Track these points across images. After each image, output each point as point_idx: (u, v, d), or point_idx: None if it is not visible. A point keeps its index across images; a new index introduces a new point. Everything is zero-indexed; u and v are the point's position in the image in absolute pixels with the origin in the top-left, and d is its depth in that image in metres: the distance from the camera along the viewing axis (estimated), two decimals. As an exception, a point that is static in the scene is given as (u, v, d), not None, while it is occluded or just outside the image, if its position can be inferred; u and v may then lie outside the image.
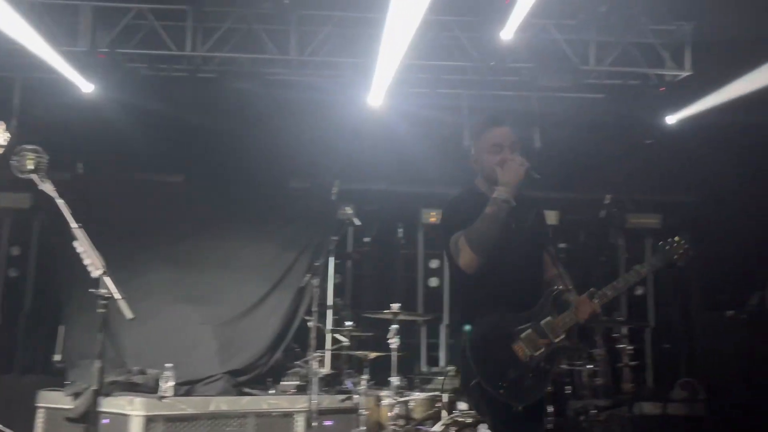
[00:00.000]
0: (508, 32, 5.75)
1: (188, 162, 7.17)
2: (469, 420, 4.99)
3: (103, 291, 3.17)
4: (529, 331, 2.99)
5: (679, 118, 6.83)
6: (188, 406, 5.62)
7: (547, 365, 2.99)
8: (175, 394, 5.66)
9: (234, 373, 6.41)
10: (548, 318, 3.02)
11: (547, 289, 3.11)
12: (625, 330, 6.16)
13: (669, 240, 3.23)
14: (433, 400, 5.37)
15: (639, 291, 7.65)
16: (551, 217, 7.42)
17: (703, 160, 6.95)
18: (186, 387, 6.02)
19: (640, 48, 6.50)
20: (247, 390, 6.29)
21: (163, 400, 5.53)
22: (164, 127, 6.76)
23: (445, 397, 5.30)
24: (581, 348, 3.00)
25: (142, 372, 6.00)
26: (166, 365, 5.68)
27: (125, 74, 6.36)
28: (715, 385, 6.18)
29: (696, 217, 7.80)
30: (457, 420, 5.04)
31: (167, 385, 5.58)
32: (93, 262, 3.16)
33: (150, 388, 5.78)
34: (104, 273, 3.16)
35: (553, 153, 6.76)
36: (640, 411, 6.30)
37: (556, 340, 3.00)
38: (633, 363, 5.89)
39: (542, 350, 2.98)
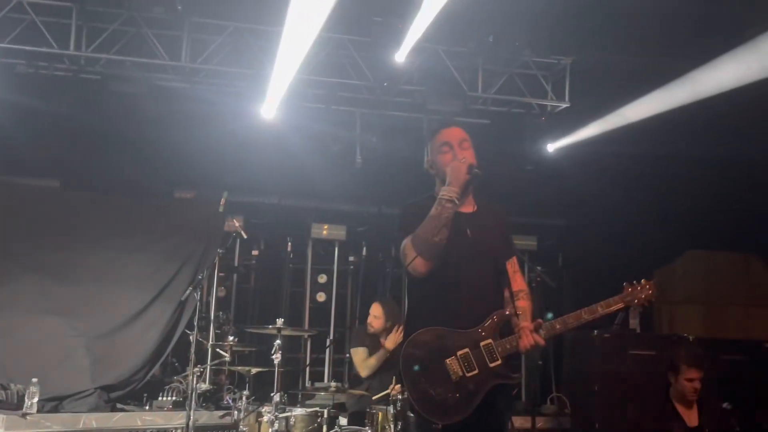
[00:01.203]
0: (401, 55, 5.93)
1: (65, 166, 6.84)
2: (348, 435, 5.04)
3: (-39, 301, 2.99)
4: (467, 350, 2.87)
5: (558, 146, 7.28)
6: (54, 423, 5.34)
7: (476, 389, 2.84)
8: (41, 411, 5.37)
9: (107, 389, 6.15)
10: (489, 340, 2.89)
11: (496, 310, 2.96)
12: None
13: (635, 281, 3.06)
14: (315, 416, 5.37)
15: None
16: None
17: (576, 187, 7.42)
18: (53, 403, 5.74)
19: (524, 79, 6.88)
20: (120, 406, 6.05)
21: (27, 417, 5.23)
22: (41, 128, 6.44)
23: (326, 413, 5.32)
24: (515, 378, 2.96)
25: (3, 387, 5.65)
26: (32, 380, 5.36)
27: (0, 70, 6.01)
28: (580, 399, 6.59)
29: (567, 239, 8.30)
30: (336, 436, 5.08)
31: (32, 401, 5.28)
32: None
33: (12, 405, 5.46)
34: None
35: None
36: (511, 425, 6.60)
37: (492, 365, 2.87)
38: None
39: (475, 372, 2.85)
